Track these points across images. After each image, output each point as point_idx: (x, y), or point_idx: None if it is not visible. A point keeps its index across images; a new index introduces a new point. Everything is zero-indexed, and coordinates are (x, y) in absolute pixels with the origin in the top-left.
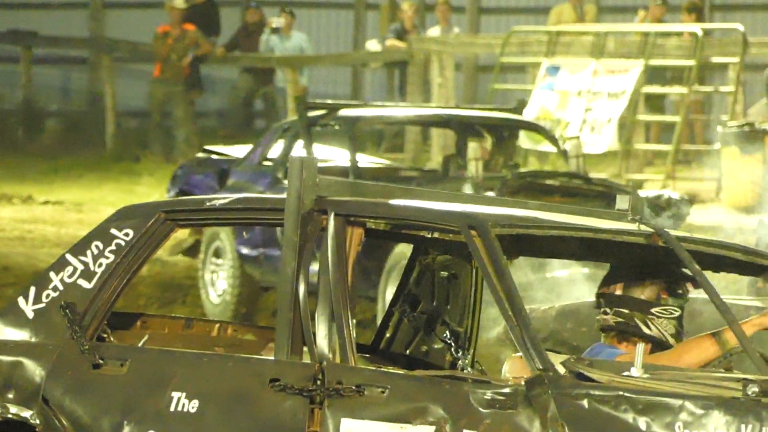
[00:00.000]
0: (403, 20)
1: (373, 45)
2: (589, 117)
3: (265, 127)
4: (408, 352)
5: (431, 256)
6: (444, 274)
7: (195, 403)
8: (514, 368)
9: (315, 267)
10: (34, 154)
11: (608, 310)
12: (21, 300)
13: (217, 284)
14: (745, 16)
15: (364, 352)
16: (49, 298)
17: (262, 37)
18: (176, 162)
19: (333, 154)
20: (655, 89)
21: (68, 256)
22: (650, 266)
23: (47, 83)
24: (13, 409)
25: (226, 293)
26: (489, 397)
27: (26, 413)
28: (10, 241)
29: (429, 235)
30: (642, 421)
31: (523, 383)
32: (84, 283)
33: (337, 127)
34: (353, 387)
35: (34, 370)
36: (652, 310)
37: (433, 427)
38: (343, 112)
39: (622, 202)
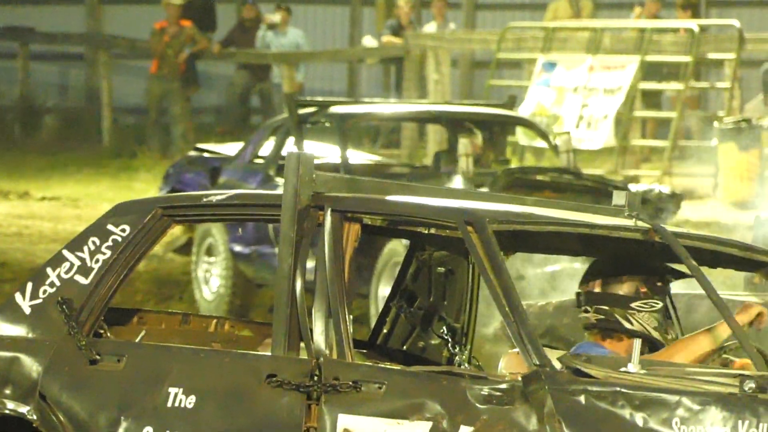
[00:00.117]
0: (399, 16)
1: (369, 41)
2: (585, 113)
3: (261, 123)
4: (405, 347)
5: (428, 251)
6: (441, 269)
7: (192, 398)
8: (510, 364)
9: (312, 263)
10: (31, 150)
11: (589, 308)
12: (18, 296)
13: (211, 282)
14: (741, 12)
15: (361, 348)
16: (46, 293)
17: (258, 33)
18: (173, 158)
19: (324, 151)
20: (651, 85)
21: (65, 252)
22: (628, 261)
23: (44, 79)
24: (10, 404)
25: (219, 291)
26: (486, 393)
27: (23, 409)
28: (7, 237)
29: (426, 231)
30: (639, 417)
31: (520, 379)
32: (81, 279)
33: (327, 125)
34: (350, 383)
35: (31, 365)
36: (632, 305)
37: (430, 423)
38: (334, 109)
39: (618, 198)
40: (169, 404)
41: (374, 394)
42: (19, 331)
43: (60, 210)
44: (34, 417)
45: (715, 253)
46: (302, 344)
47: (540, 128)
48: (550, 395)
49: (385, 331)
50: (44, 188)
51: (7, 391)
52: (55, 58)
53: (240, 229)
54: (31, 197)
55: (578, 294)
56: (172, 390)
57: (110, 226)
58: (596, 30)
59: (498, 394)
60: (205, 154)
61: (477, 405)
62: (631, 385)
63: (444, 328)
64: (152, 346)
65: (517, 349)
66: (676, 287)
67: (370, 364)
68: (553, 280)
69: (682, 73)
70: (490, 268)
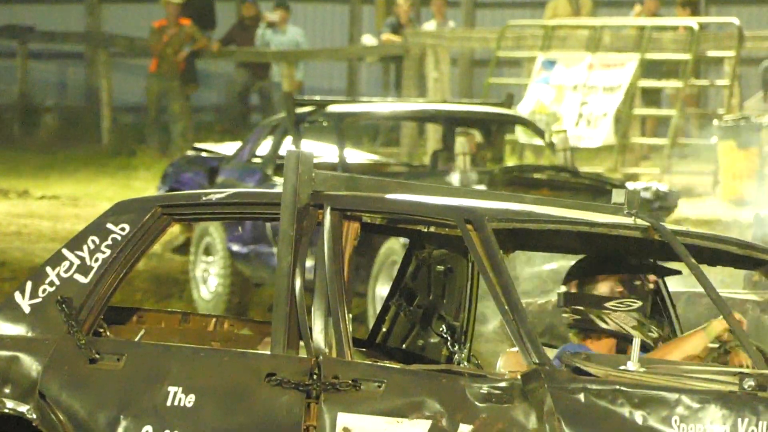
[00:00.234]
0: (399, 14)
1: (368, 39)
2: (585, 111)
3: (260, 122)
4: (404, 346)
5: (427, 250)
6: (440, 268)
7: (191, 397)
8: (508, 363)
9: (311, 262)
10: (30, 148)
11: (567, 309)
12: (17, 295)
13: (209, 281)
14: (740, 9)
15: (361, 347)
16: (46, 292)
17: (257, 31)
18: (172, 157)
19: (322, 150)
20: (650, 83)
21: (65, 251)
22: (606, 261)
23: (43, 78)
24: (10, 403)
25: (217, 290)
26: (485, 392)
27: (23, 408)
28: (6, 236)
29: (425, 230)
30: (638, 415)
31: (519, 377)
32: (80, 278)
33: (325, 124)
34: (350, 381)
35: (31, 364)
36: (606, 305)
37: (430, 422)
38: (331, 108)
39: (618, 196)
40: (169, 403)
41: (374, 392)
42: (18, 330)
43: (59, 209)
44: (34, 416)
45: (715, 251)
46: (302, 343)
47: (536, 127)
48: (549, 394)
49: (384, 329)
50: (43, 187)
51: (7, 390)
52: (54, 57)
53: (240, 228)
54: (31, 196)
55: (558, 295)
56: (172, 389)
57: (110, 225)
58: (596, 28)
59: (497, 392)
60: (203, 154)
61: (476, 403)
62: (631, 384)
63: (443, 326)
64: (152, 345)
65: (516, 348)
66: (675, 285)
67: (370, 362)
68: (554, 275)
69: (681, 71)
70: (490, 266)
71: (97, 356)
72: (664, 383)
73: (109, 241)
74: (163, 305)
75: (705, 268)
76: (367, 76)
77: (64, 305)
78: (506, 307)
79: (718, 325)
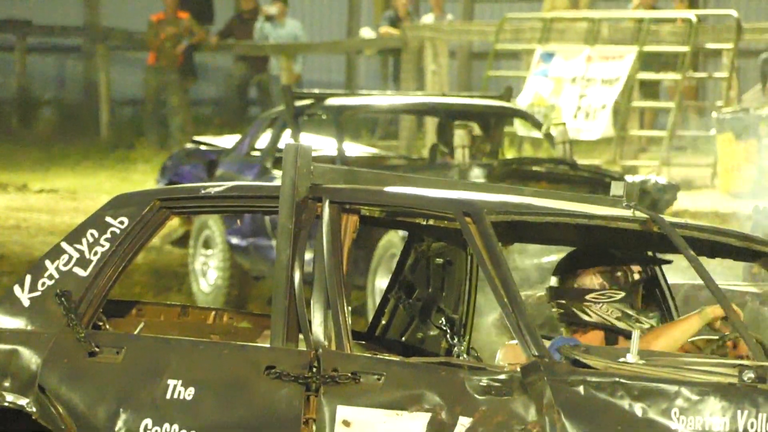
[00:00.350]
0: (397, 7)
1: (367, 32)
2: (583, 103)
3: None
4: (404, 339)
5: (426, 243)
6: (439, 261)
7: (191, 390)
8: (507, 356)
9: (310, 255)
10: (28, 142)
11: (552, 304)
12: (17, 288)
13: (208, 274)
14: (739, 2)
15: (360, 340)
16: (45, 286)
17: (256, 24)
18: (171, 150)
19: (320, 144)
20: (649, 75)
21: (63, 244)
22: (587, 254)
23: (42, 72)
24: (9, 397)
25: (216, 283)
26: (485, 384)
27: (22, 401)
28: (5, 230)
29: (424, 222)
30: (638, 408)
31: (518, 370)
32: (79, 271)
33: (323, 117)
34: (349, 374)
35: (30, 358)
36: (586, 297)
37: (429, 414)
38: (330, 101)
39: (616, 189)
40: (168, 396)
41: (373, 385)
42: (18, 323)
43: (58, 202)
44: (33, 409)
45: (714, 244)
46: (301, 336)
47: (534, 119)
48: (548, 386)
49: (383, 322)
50: (42, 180)
51: (6, 384)
52: (52, 51)
53: (239, 221)
54: (29, 190)
55: (546, 290)
56: (171, 382)
57: (109, 218)
58: (594, 20)
59: (497, 385)
60: (202, 147)
61: (476, 396)
62: (630, 376)
63: (442, 319)
64: (151, 338)
65: (515, 340)
66: (675, 278)
67: (369, 355)
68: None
69: (680, 64)
70: (488, 258)
71: (97, 349)
72: (664, 375)
73: (108, 235)
74: (162, 298)
75: (704, 260)
76: (365, 69)
77: (63, 298)
78: (505, 300)
79: (713, 310)
